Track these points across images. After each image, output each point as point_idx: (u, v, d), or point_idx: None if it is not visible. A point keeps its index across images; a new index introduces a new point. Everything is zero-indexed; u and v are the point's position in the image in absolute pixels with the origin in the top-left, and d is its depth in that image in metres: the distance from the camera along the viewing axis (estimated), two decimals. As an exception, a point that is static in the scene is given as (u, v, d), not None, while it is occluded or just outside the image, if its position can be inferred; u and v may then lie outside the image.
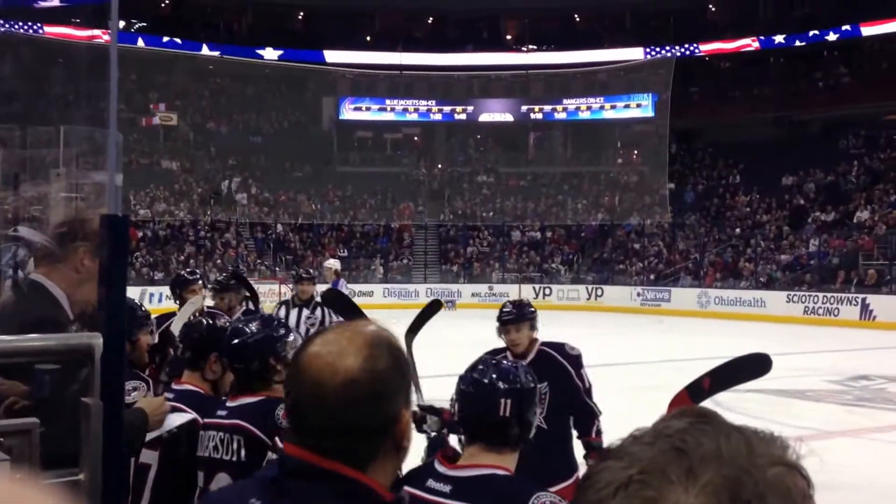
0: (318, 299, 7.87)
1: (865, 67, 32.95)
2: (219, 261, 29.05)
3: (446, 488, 2.05)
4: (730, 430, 0.64)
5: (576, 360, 4.20)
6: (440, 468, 2.11)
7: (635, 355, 15.56)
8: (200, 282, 5.65)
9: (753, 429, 0.65)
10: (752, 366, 2.89)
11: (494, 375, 2.19)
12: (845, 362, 14.39)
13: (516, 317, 4.19)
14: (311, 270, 11.68)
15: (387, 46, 36.67)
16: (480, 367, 2.24)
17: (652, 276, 29.81)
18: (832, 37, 32.54)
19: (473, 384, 2.19)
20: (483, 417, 2.13)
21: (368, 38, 38.10)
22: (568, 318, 24.24)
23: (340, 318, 7.92)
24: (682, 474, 0.60)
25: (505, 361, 2.41)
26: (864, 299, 23.30)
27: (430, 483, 2.08)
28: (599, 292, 29.32)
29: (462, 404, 2.20)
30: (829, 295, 24.25)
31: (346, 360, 1.20)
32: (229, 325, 3.06)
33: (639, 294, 28.55)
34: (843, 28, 31.96)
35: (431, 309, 4.36)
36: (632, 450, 0.64)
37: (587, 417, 4.16)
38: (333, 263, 11.66)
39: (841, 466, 7.16)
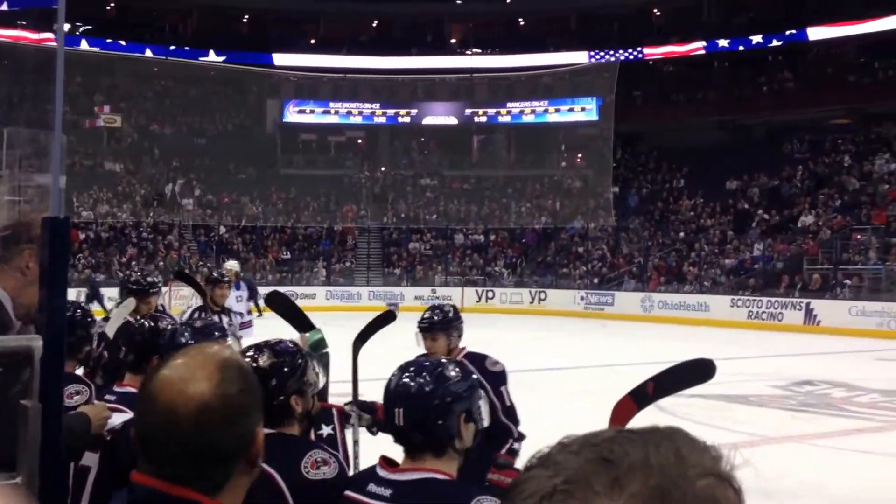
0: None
1: (810, 72, 33.10)
2: (161, 263, 28.80)
3: (387, 492, 2.04)
4: (660, 439, 0.63)
5: (496, 377, 4.00)
6: (382, 472, 2.09)
7: (578, 359, 15.50)
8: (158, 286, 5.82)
9: (687, 438, 0.64)
10: (697, 371, 2.86)
11: (425, 379, 2.13)
12: (789, 367, 14.38)
13: (429, 325, 4.10)
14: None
15: (331, 49, 36.64)
16: (411, 369, 2.18)
17: (595, 280, 29.71)
18: (777, 42, 32.63)
19: (403, 389, 2.14)
20: (416, 423, 2.08)
21: (313, 41, 37.84)
22: (511, 322, 24.20)
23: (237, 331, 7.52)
24: (607, 485, 0.59)
25: (436, 361, 2.28)
26: (808, 304, 23.23)
27: (371, 487, 2.07)
28: (543, 296, 29.31)
29: (392, 409, 2.13)
30: (773, 299, 24.21)
31: (198, 385, 1.19)
32: (170, 328, 3.14)
33: (582, 298, 28.48)
34: (788, 33, 32.03)
35: (383, 319, 4.23)
36: (558, 458, 0.62)
37: (501, 436, 3.92)
38: (234, 265, 11.26)
39: (784, 473, 7.21)
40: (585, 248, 32.02)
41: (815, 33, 31.44)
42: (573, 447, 0.62)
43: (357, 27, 38.49)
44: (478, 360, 3.99)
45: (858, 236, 25.91)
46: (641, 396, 2.77)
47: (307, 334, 4.04)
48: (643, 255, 30.09)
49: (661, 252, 29.97)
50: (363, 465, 3.39)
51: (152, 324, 3.24)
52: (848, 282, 24.15)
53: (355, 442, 3.81)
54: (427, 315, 4.17)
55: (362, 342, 4.13)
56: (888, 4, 29.15)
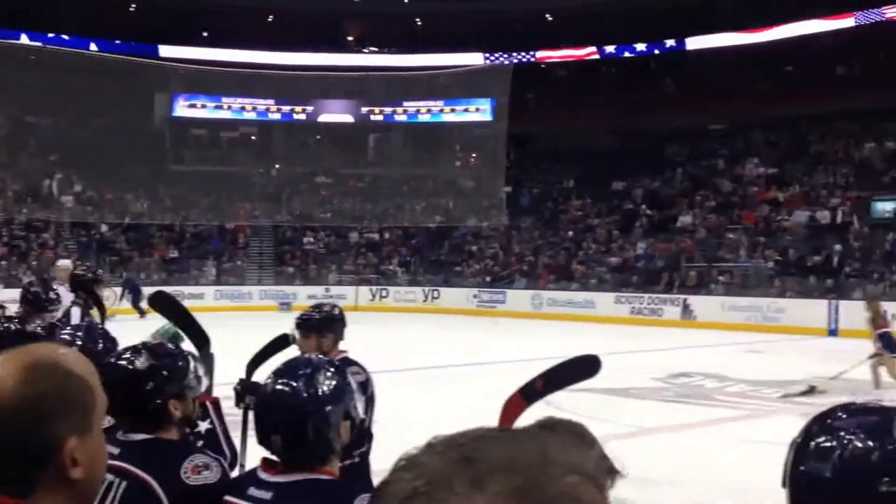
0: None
1: (689, 81, 34.62)
2: (34, 262, 27.44)
3: (267, 495, 1.98)
4: (526, 438, 0.62)
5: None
6: (262, 475, 2.03)
7: (471, 356, 15.64)
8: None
9: (555, 436, 0.63)
10: (583, 367, 2.95)
11: (299, 388, 2.04)
12: (667, 361, 14.93)
13: (301, 323, 4.02)
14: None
15: (225, 43, 35.74)
16: (283, 379, 2.08)
17: (488, 279, 30.21)
18: (659, 51, 34.07)
19: (277, 402, 2.04)
20: (295, 438, 2.00)
21: (206, 34, 36.94)
22: (405, 320, 24.42)
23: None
24: (468, 485, 0.58)
25: (310, 366, 2.17)
26: (685, 300, 24.46)
27: (252, 491, 2.01)
28: (436, 294, 29.54)
29: (267, 426, 2.04)
30: (653, 296, 25.36)
31: (1, 383, 1.16)
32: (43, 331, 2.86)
33: (475, 296, 28.90)
34: (669, 43, 33.50)
35: (278, 344, 4.12)
36: (423, 459, 0.61)
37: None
38: (66, 264, 10.34)
39: (661, 461, 7.55)
40: (478, 246, 32.49)
41: (693, 43, 33.05)
42: (438, 448, 0.62)
43: (252, 21, 37.87)
44: (343, 366, 4.00)
45: (731, 235, 27.44)
46: (531, 393, 2.89)
47: (160, 329, 3.99)
48: (534, 254, 30.88)
49: (551, 251, 30.88)
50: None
51: (19, 326, 3.02)
52: (721, 278, 25.65)
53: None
54: (305, 313, 4.12)
55: (255, 367, 3.97)
56: (759, 19, 30.97)
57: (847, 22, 29.24)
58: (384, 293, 29.99)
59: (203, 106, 36.86)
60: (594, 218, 32.01)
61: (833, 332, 21.11)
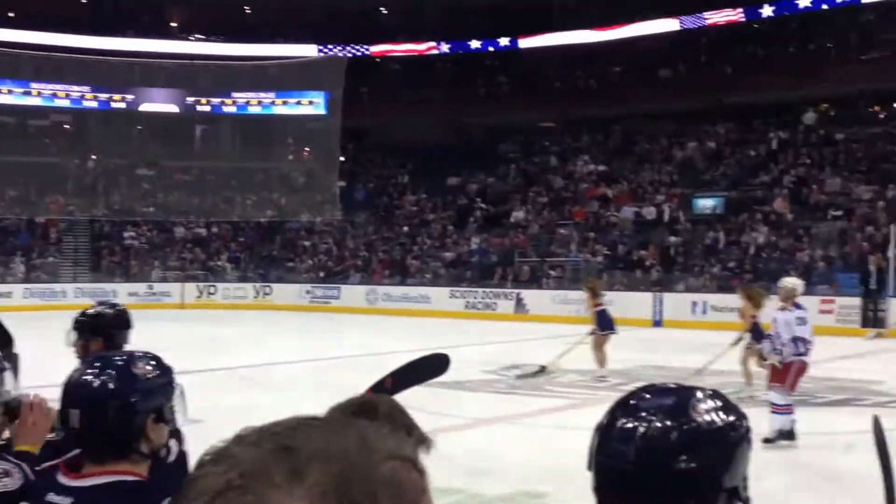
0: None
1: (523, 78, 35.08)
2: None
3: (67, 501, 1.88)
4: (344, 425, 0.61)
5: None
6: (62, 479, 1.91)
7: (306, 353, 15.43)
8: None
9: (373, 423, 0.64)
10: (433, 365, 2.94)
11: (108, 375, 1.96)
12: (501, 353, 15.05)
13: (75, 322, 3.59)
14: None
15: (34, 26, 33.26)
16: (96, 364, 2.02)
17: (322, 274, 29.65)
18: (494, 48, 34.34)
19: (81, 387, 1.95)
20: (93, 425, 1.91)
21: (12, 15, 34.30)
22: (234, 318, 23.56)
23: None
24: (286, 475, 0.56)
25: (128, 355, 2.10)
26: (518, 294, 24.69)
27: (51, 497, 1.90)
28: (268, 290, 29.02)
29: (67, 409, 1.96)
30: (487, 290, 25.54)
31: None
32: None
33: (308, 292, 28.45)
34: (503, 42, 33.77)
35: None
36: (234, 451, 0.58)
37: None
38: None
39: (493, 451, 7.83)
40: (312, 242, 31.96)
41: (526, 42, 33.46)
42: (251, 438, 0.58)
43: (65, 3, 35.57)
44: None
45: (562, 231, 27.98)
46: (380, 391, 2.69)
47: None
48: (368, 249, 30.55)
49: (386, 246, 30.59)
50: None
51: None
52: (552, 273, 26.04)
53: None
54: (82, 313, 3.70)
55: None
56: (591, 20, 31.70)
57: (672, 25, 30.33)
58: (212, 290, 29.01)
59: (10, 91, 34.35)
60: (429, 213, 31.93)
61: (658, 324, 21.81)
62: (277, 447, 0.57)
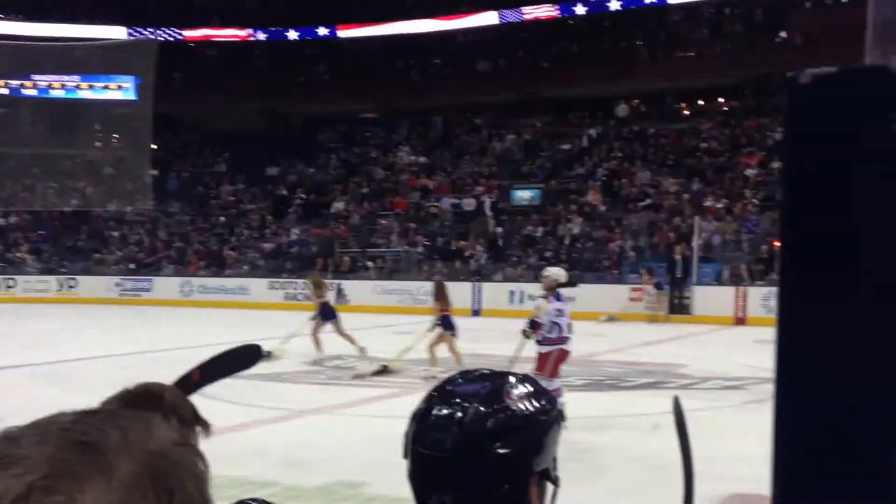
0: None
1: (343, 68, 34.81)
2: None
3: None
4: (127, 416, 0.60)
5: None
6: None
7: (115, 348, 14.68)
8: None
9: (158, 412, 0.64)
10: (243, 356, 2.59)
11: None
12: (322, 345, 14.71)
13: None
14: None
15: None
16: None
17: (132, 266, 28.34)
18: (312, 37, 33.82)
19: None
20: None
21: None
22: (35, 312, 22.12)
23: None
24: (96, 470, 0.53)
25: None
26: (339, 284, 24.48)
27: None
28: (73, 283, 27.43)
29: None
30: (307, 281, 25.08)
31: None
32: None
33: (117, 284, 27.25)
34: (321, 31, 33.31)
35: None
36: (24, 453, 0.53)
37: None
38: None
39: (310, 442, 7.82)
40: (121, 232, 30.49)
41: (345, 32, 33.22)
42: (33, 438, 0.54)
43: None
44: None
45: (383, 221, 28.04)
46: (187, 385, 2.55)
47: None
48: (183, 240, 29.46)
49: (202, 236, 29.59)
50: None
51: None
52: (372, 263, 26.07)
53: None
54: None
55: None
56: (408, 11, 31.84)
57: (491, 18, 30.96)
58: (11, 283, 27.13)
59: None
60: (247, 203, 31.18)
61: (476, 313, 22.26)
62: (72, 443, 0.54)
